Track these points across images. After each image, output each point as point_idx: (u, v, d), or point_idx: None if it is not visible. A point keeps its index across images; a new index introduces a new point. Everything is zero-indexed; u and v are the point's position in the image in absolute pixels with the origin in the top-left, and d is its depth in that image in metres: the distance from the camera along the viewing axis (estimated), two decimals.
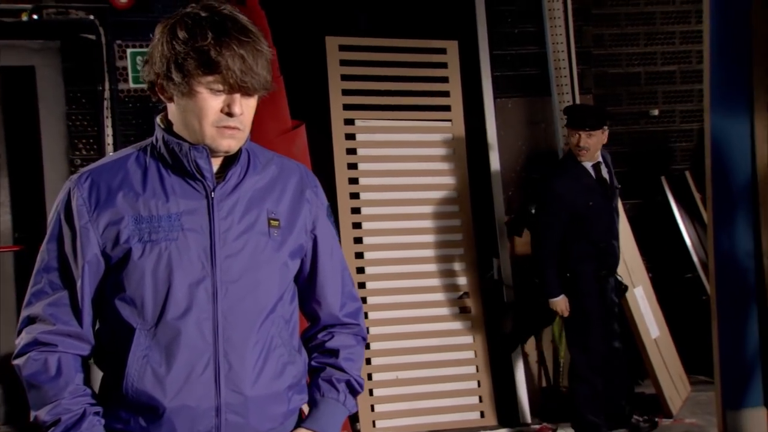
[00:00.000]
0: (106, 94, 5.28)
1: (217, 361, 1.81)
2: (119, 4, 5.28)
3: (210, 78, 1.77)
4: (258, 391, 1.84)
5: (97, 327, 1.87)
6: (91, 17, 5.26)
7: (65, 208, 1.83)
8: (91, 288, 1.83)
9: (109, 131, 5.29)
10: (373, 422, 5.26)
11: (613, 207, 4.93)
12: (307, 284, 2.02)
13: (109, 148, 5.28)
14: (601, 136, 4.85)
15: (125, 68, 5.31)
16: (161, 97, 1.85)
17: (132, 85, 5.32)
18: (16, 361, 1.82)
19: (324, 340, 2.03)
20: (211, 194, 1.84)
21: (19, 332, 1.84)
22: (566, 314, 4.80)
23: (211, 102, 1.79)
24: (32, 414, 1.81)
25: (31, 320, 1.83)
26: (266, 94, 1.86)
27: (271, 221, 1.89)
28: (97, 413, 1.81)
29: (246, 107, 1.82)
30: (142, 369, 1.77)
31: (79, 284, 1.81)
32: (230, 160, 1.88)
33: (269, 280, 1.88)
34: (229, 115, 1.80)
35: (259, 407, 1.84)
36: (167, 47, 1.78)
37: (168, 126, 1.87)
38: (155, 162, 1.85)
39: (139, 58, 5.32)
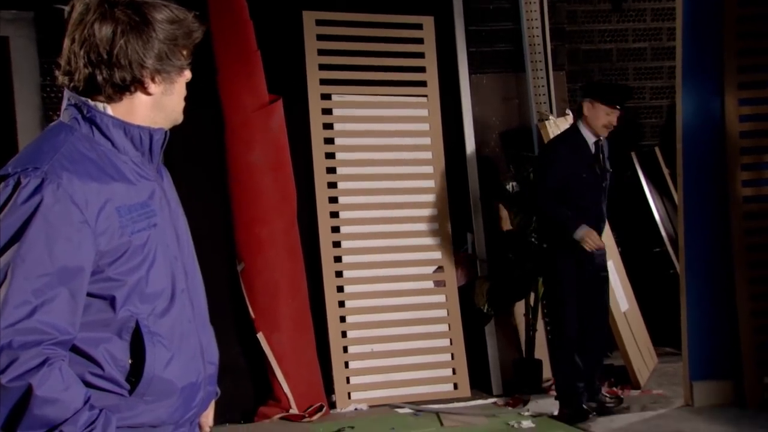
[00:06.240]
0: None
1: (198, 335, 1.87)
2: None
3: (187, 51, 1.82)
4: (216, 360, 1.95)
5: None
6: None
7: (47, 207, 1.64)
8: (85, 288, 1.69)
9: None
10: (349, 394, 5.33)
11: (602, 188, 4.95)
12: None
13: None
14: None
15: None
16: (142, 92, 1.79)
17: None
18: (19, 382, 1.61)
19: None
20: (161, 175, 1.89)
21: (7, 345, 1.60)
22: (599, 244, 4.76)
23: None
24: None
25: (21, 332, 1.62)
26: None
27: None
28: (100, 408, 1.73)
29: None
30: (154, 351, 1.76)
31: (72, 287, 1.66)
32: None
33: (195, 256, 1.97)
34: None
35: (215, 376, 1.95)
36: (149, 38, 1.75)
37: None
38: (101, 148, 1.77)
39: None
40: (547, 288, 5.08)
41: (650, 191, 6.74)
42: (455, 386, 5.50)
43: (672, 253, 6.49)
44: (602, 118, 4.85)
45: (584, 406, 4.89)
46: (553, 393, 5.15)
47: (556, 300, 4.93)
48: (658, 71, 7.04)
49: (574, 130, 4.99)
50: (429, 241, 5.63)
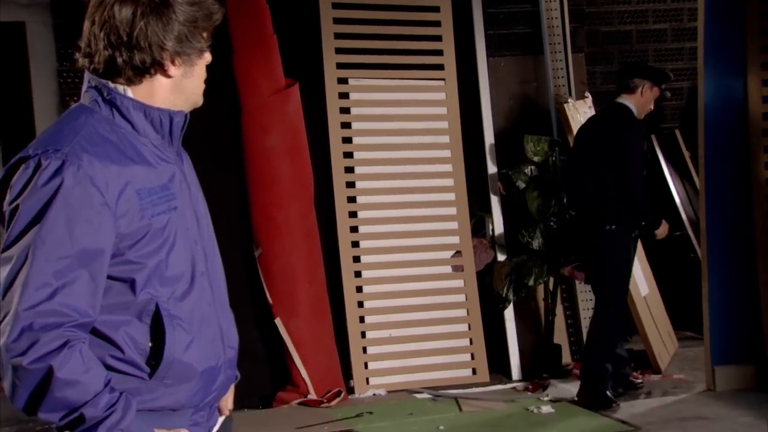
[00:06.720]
0: None
1: (218, 319, 1.85)
2: None
3: (207, 33, 1.81)
4: (236, 344, 1.93)
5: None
6: None
7: (67, 189, 1.64)
8: (105, 271, 1.69)
9: None
10: (367, 379, 5.32)
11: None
12: None
13: None
14: None
15: None
16: (162, 74, 1.77)
17: None
18: (40, 364, 1.61)
19: None
20: (181, 158, 1.87)
21: (28, 327, 1.61)
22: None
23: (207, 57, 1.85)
24: (66, 414, 1.63)
25: (42, 314, 1.62)
26: None
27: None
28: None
29: None
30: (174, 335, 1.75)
31: (92, 269, 1.66)
32: None
33: (215, 239, 1.95)
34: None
35: (235, 360, 1.94)
36: (169, 19, 1.73)
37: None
38: (121, 130, 1.76)
39: None
40: (605, 269, 4.85)
41: (670, 174, 6.68)
42: (474, 371, 5.48)
43: (693, 236, 6.43)
44: (652, 102, 4.90)
45: (608, 393, 4.82)
46: (576, 373, 5.09)
47: (616, 282, 4.81)
48: (679, 52, 6.96)
49: (625, 107, 4.86)
50: (447, 225, 5.59)
